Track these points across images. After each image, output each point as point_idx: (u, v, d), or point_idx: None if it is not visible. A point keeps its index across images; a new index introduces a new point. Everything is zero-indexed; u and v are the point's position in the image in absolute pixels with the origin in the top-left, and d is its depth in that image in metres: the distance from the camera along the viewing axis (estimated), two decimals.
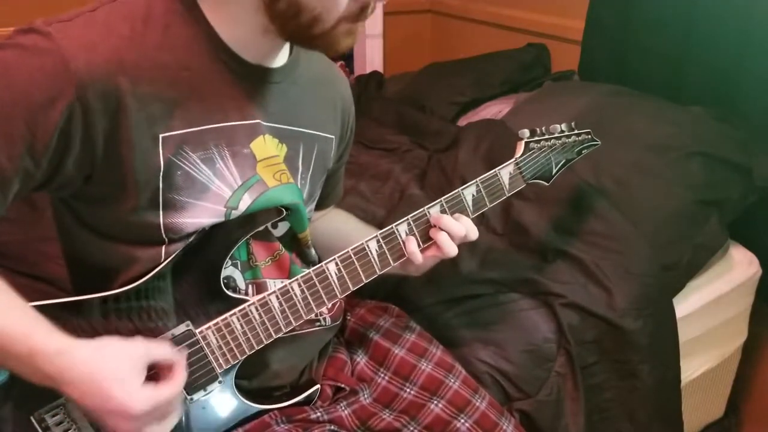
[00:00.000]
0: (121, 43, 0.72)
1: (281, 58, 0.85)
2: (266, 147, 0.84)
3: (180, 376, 0.75)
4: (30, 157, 0.69)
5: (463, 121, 2.04)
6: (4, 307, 0.69)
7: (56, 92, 0.68)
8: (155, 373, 0.75)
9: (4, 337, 0.67)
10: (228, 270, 0.84)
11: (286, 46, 0.86)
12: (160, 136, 0.75)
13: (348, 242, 0.88)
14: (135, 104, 0.72)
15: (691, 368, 1.51)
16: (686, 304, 1.42)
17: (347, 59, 2.75)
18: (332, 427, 0.92)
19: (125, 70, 0.71)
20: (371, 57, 2.74)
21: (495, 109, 2.01)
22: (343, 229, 1.06)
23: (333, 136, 0.97)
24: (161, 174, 0.76)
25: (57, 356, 0.67)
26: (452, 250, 0.91)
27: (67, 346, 0.68)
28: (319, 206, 1.03)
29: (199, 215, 0.79)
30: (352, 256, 0.87)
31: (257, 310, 0.82)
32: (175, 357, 0.76)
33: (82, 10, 0.73)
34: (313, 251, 0.98)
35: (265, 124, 0.84)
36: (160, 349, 0.74)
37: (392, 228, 0.90)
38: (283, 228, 0.91)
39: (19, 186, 0.71)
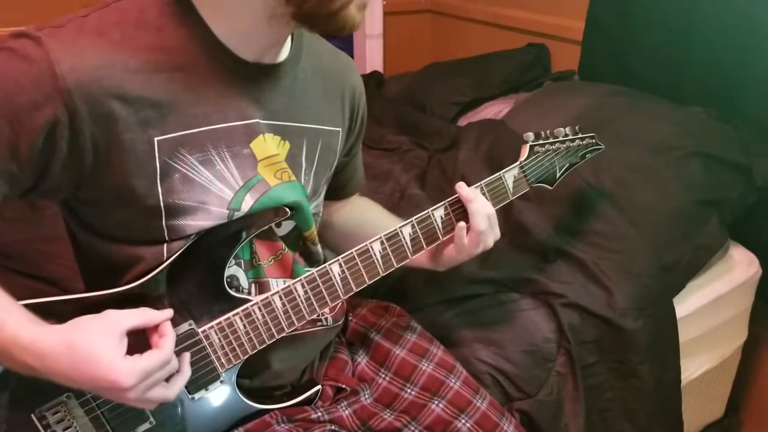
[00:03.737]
0: (111, 47, 0.71)
1: (282, 53, 0.84)
2: (266, 146, 0.84)
3: (167, 339, 0.73)
4: (14, 159, 0.69)
5: (463, 121, 2.04)
6: None
7: (42, 96, 0.68)
8: (144, 338, 0.73)
9: None
10: (231, 269, 0.84)
11: (287, 42, 0.85)
12: (155, 139, 0.74)
13: (375, 231, 0.88)
14: (126, 109, 0.72)
15: (691, 368, 1.51)
16: (686, 304, 1.42)
17: None
18: (333, 427, 0.92)
19: (114, 75, 0.71)
20: (371, 57, 2.74)
21: (495, 109, 2.02)
22: (369, 218, 1.05)
23: (339, 129, 0.96)
24: (158, 178, 0.75)
25: (32, 346, 0.66)
26: (482, 223, 0.92)
27: (40, 334, 0.67)
28: (339, 196, 1.03)
29: (201, 218, 0.79)
30: (356, 257, 0.87)
31: (260, 310, 0.82)
32: (152, 318, 0.73)
33: (74, 15, 0.73)
34: (319, 248, 0.97)
35: (264, 122, 0.83)
36: (130, 318, 0.72)
37: (396, 230, 0.90)
38: (287, 227, 0.91)
39: (5, 189, 0.71)
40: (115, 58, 0.71)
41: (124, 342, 0.70)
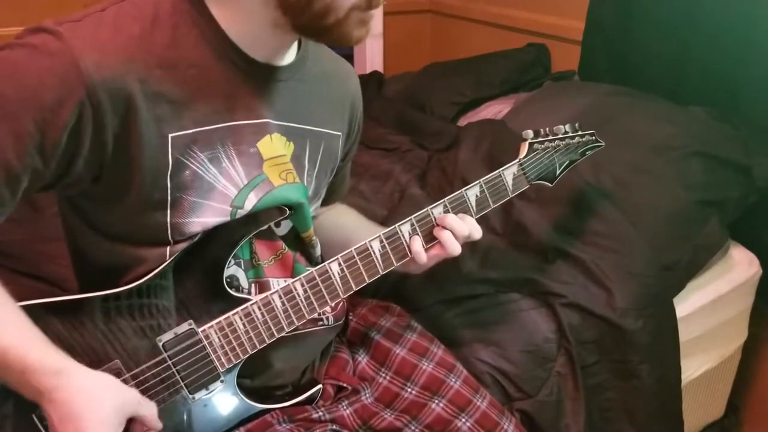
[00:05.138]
0: (131, 42, 0.72)
1: (289, 55, 0.85)
2: (273, 146, 0.84)
3: None
4: (39, 155, 0.69)
5: (463, 121, 2.04)
6: (2, 320, 0.69)
7: (66, 92, 0.68)
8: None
9: (1, 351, 0.66)
10: (231, 269, 0.84)
11: (295, 44, 0.86)
12: (170, 135, 0.75)
13: (352, 237, 0.89)
14: (144, 104, 0.72)
15: (691, 368, 1.51)
16: (686, 304, 1.42)
17: (347, 59, 2.75)
18: (334, 427, 0.92)
19: (135, 70, 0.71)
20: (371, 57, 2.74)
21: (495, 109, 2.02)
22: (347, 225, 1.06)
23: (340, 133, 0.97)
24: (169, 173, 0.76)
25: (54, 375, 0.67)
26: (456, 249, 0.91)
27: (66, 367, 0.68)
28: (325, 201, 1.03)
29: (205, 214, 0.80)
30: (355, 255, 0.87)
31: (260, 309, 0.82)
32: (156, 422, 0.76)
33: (91, 10, 0.73)
34: (318, 251, 0.98)
35: (273, 122, 0.84)
36: (148, 408, 0.75)
37: (395, 228, 0.90)
38: (286, 227, 0.91)
39: (27, 183, 0.71)
40: (136, 53, 0.72)
41: (124, 423, 0.72)
